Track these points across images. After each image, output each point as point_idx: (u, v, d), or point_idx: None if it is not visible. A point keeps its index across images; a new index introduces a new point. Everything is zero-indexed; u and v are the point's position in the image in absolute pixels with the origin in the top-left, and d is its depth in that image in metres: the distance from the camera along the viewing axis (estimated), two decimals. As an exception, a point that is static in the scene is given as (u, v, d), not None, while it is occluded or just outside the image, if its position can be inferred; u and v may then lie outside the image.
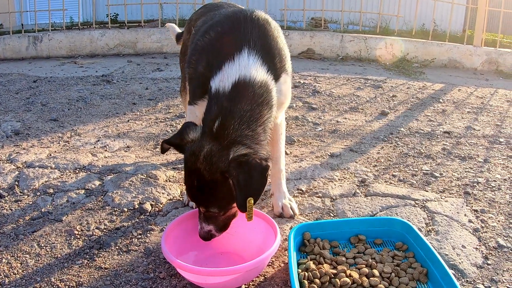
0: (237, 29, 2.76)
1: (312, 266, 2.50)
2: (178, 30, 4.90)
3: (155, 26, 10.72)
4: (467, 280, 2.61)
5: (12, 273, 2.52)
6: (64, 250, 2.75)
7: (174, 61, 9.17)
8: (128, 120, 5.26)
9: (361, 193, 3.60)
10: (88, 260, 2.66)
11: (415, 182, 3.85)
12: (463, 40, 10.80)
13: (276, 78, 2.76)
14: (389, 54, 10.27)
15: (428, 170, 4.09)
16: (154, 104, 6.01)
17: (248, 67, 2.62)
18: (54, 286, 2.42)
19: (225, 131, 2.44)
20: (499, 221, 3.29)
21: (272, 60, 2.77)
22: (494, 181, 3.95)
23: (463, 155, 4.52)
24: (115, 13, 14.59)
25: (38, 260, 2.64)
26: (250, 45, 2.69)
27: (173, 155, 4.21)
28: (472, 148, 4.75)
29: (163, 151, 2.71)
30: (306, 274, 2.43)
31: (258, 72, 2.64)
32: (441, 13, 14.11)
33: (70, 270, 2.57)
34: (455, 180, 3.94)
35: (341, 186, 3.69)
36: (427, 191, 3.70)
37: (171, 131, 4.91)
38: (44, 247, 2.76)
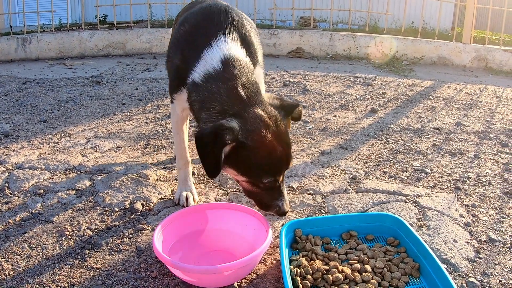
0: (211, 19, 2.76)
1: (304, 262, 2.50)
2: None
3: (144, 27, 10.70)
4: (459, 274, 2.62)
5: (3, 275, 2.51)
6: (55, 250, 2.73)
7: (163, 61, 9.05)
8: (118, 121, 5.25)
9: (352, 189, 3.61)
10: (80, 261, 2.64)
11: (405, 178, 3.86)
12: (452, 37, 10.85)
13: (253, 65, 2.75)
14: (378, 52, 10.31)
15: (418, 166, 4.10)
16: (144, 104, 6.00)
17: (229, 47, 2.63)
18: (46, 287, 2.41)
19: (254, 95, 2.49)
20: (490, 215, 3.31)
21: (248, 48, 2.77)
22: (485, 176, 3.97)
23: (453, 151, 4.53)
24: (104, 14, 14.58)
25: (29, 261, 2.62)
26: (225, 32, 2.69)
27: (163, 155, 4.21)
28: (462, 144, 4.77)
29: (218, 172, 2.36)
30: (298, 270, 2.43)
31: (239, 53, 2.66)
32: (430, 11, 14.20)
33: (62, 271, 2.55)
34: (446, 175, 3.95)
35: (332, 183, 3.69)
36: (418, 187, 3.71)
37: (161, 131, 4.90)
38: (35, 248, 2.75)
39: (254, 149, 2.32)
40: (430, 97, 6.83)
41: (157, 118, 5.39)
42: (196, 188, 3.49)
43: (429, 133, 5.10)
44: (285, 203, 2.56)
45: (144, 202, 3.32)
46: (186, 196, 3.30)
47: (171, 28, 4.34)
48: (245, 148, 2.31)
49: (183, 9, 3.81)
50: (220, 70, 2.52)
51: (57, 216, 3.11)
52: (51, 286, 2.42)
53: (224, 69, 2.52)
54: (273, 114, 2.45)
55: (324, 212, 3.27)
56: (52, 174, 3.73)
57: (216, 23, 2.73)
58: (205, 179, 3.75)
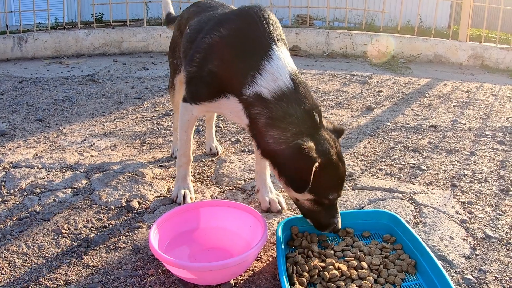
0: (251, 24, 2.71)
1: (301, 259, 2.51)
2: (171, 10, 4.76)
3: (141, 26, 10.69)
4: (455, 271, 2.63)
5: (-1, 273, 2.51)
6: (51, 249, 2.73)
7: (160, 60, 9.17)
8: (115, 119, 5.25)
9: (348, 186, 3.62)
10: (76, 259, 2.64)
11: (402, 175, 3.87)
12: (448, 35, 10.86)
13: None
14: (374, 50, 10.31)
15: (415, 164, 4.11)
16: (140, 102, 6.00)
17: (288, 61, 2.65)
18: (43, 286, 2.41)
19: (320, 118, 2.59)
20: (486, 212, 3.32)
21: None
22: (481, 173, 3.98)
23: (449, 148, 4.54)
24: (100, 13, 14.57)
25: (26, 260, 2.62)
26: (274, 39, 2.67)
27: (160, 153, 4.21)
28: (458, 141, 4.78)
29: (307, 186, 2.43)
30: (295, 267, 2.43)
31: (293, 63, 2.69)
32: (426, 9, 14.19)
33: (58, 269, 2.55)
34: (442, 172, 3.96)
35: (328, 180, 3.69)
36: (414, 184, 3.72)
37: (157, 129, 4.90)
38: (32, 247, 2.74)
39: (325, 168, 2.42)
40: (427, 94, 6.84)
41: (153, 116, 5.39)
42: (193, 186, 3.50)
43: (425, 130, 5.11)
44: (339, 220, 2.65)
45: (140, 200, 3.32)
46: (184, 194, 3.31)
47: (171, 30, 4.27)
48: (319, 167, 2.39)
49: (187, 11, 3.76)
50: (293, 90, 2.54)
51: (53, 215, 3.11)
52: (48, 284, 2.42)
53: (295, 88, 2.55)
54: (333, 137, 2.60)
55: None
56: (49, 173, 3.73)
57: (262, 28, 2.69)
58: (202, 177, 3.76)
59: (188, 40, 3.25)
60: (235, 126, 5.08)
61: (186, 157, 3.37)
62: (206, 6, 3.60)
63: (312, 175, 2.34)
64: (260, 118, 2.56)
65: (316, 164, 2.34)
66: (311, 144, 2.38)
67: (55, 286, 2.41)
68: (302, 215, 2.75)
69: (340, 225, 2.65)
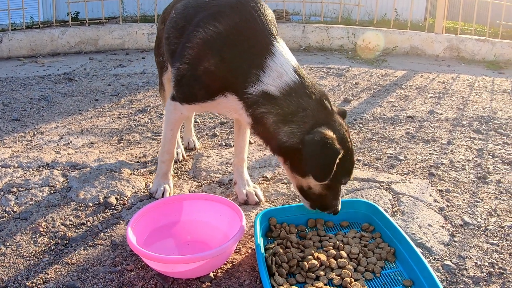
0: (250, 20, 2.65)
1: (280, 250, 2.52)
2: None
3: (117, 23, 10.63)
4: (434, 258, 2.67)
5: (-24, 273, 2.49)
6: (30, 248, 2.71)
7: (136, 57, 9.12)
8: (91, 117, 5.22)
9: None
10: (55, 257, 2.63)
11: (379, 165, 3.89)
12: (424, 28, 10.92)
13: None
14: (351, 43, 10.35)
15: (392, 154, 4.14)
16: (117, 99, 5.97)
17: (289, 56, 2.64)
18: (21, 285, 2.39)
19: (333, 109, 2.61)
20: (464, 199, 3.36)
21: None
22: (458, 161, 4.02)
23: (426, 138, 4.58)
24: (76, 11, 14.46)
25: (4, 260, 2.60)
26: (273, 34, 2.65)
27: (137, 149, 4.20)
28: (435, 131, 4.82)
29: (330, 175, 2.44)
30: (274, 258, 2.44)
31: (293, 57, 2.69)
32: (402, 3, 14.25)
33: (37, 268, 2.54)
34: (420, 162, 3.99)
35: (306, 172, 3.70)
36: (391, 174, 3.75)
37: (134, 126, 4.88)
38: (10, 246, 2.72)
39: (344, 155, 2.42)
40: (403, 86, 6.89)
41: (130, 113, 5.36)
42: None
43: (402, 121, 5.14)
44: (339, 202, 2.69)
45: (118, 196, 3.31)
46: (164, 189, 3.30)
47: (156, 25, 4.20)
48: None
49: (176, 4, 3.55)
50: (299, 83, 2.53)
51: (31, 214, 3.08)
52: (27, 283, 2.40)
53: (301, 81, 2.54)
54: (343, 121, 2.63)
55: (298, 200, 3.28)
56: (25, 172, 3.70)
57: (261, 23, 2.65)
58: (179, 171, 3.76)
59: (174, 26, 3.10)
60: (212, 121, 5.08)
61: (169, 154, 3.32)
62: None
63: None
64: (269, 117, 2.53)
65: (340, 155, 2.36)
66: (332, 134, 2.38)
67: (34, 285, 2.40)
68: (280, 206, 2.76)
69: (339, 208, 2.69)
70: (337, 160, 2.34)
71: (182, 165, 3.87)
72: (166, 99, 3.87)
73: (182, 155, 4.03)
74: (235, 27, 2.65)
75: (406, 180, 3.64)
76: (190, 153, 4.13)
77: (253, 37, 2.62)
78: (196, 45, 2.72)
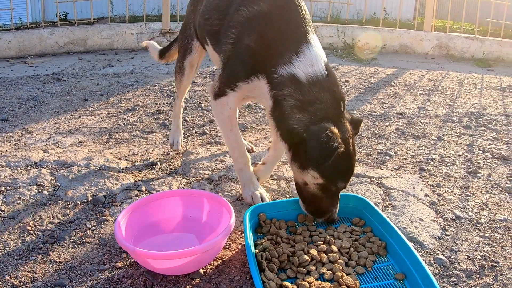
0: (291, 4, 2.71)
1: (270, 246, 2.50)
2: (159, 47, 4.51)
3: (105, 23, 10.59)
4: (426, 251, 2.67)
5: (-37, 272, 2.47)
6: (17, 246, 2.69)
7: (125, 57, 9.08)
8: (80, 116, 5.18)
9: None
10: (43, 255, 2.61)
11: (370, 161, 3.89)
12: (413, 27, 10.96)
13: None
14: (340, 41, 10.37)
15: (382, 150, 4.13)
16: (106, 99, 5.94)
17: (322, 50, 2.66)
18: (9, 284, 2.37)
19: (344, 114, 2.63)
20: (455, 194, 3.36)
21: None
22: (449, 157, 4.02)
23: (416, 134, 4.58)
24: (64, 12, 14.40)
25: (-9, 258, 2.58)
26: (311, 26, 2.69)
27: (126, 148, 4.17)
28: (425, 127, 4.83)
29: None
30: (264, 254, 2.42)
31: (325, 55, 2.69)
32: (391, 1, 14.29)
33: (25, 266, 2.51)
34: (410, 157, 4.00)
35: (295, 168, 3.69)
36: (382, 169, 3.75)
37: (123, 125, 4.85)
38: (-3, 245, 2.70)
39: (342, 156, 2.44)
40: (393, 83, 6.90)
41: (119, 112, 5.34)
42: (159, 178, 3.48)
43: (392, 118, 5.14)
44: (336, 211, 2.71)
45: (106, 194, 3.28)
46: (260, 195, 3.12)
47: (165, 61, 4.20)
48: (338, 153, 2.41)
49: None
50: (326, 77, 2.56)
51: (19, 212, 3.06)
52: (14, 282, 2.38)
53: (328, 77, 2.57)
54: (351, 128, 2.64)
55: (288, 196, 3.28)
56: (13, 171, 3.66)
57: (302, 13, 2.70)
58: (168, 169, 3.74)
59: (216, 8, 3.10)
60: (201, 119, 5.05)
61: (243, 156, 3.15)
62: None
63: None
64: (288, 100, 2.57)
65: (341, 149, 2.38)
66: (336, 131, 2.41)
67: (21, 283, 2.37)
68: (269, 202, 2.75)
69: (335, 216, 2.70)
70: (336, 154, 2.35)
71: (172, 163, 3.85)
72: (182, 83, 3.91)
73: (181, 144, 4.13)
74: (278, 9, 2.70)
75: (396, 175, 3.64)
76: (180, 151, 4.11)
77: (293, 22, 2.67)
78: (239, 23, 2.78)
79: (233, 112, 3.01)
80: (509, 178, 3.69)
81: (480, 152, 4.19)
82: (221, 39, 2.95)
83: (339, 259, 2.44)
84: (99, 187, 3.37)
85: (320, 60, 2.58)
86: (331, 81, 2.56)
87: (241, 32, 2.76)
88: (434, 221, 2.99)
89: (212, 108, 3.10)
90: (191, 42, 3.69)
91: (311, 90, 2.52)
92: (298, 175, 2.66)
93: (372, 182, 3.48)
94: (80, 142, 4.36)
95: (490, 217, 3.07)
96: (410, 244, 2.41)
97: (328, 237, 2.61)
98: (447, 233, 2.86)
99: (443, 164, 3.88)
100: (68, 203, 3.17)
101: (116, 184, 3.42)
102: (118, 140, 4.41)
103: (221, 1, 3.07)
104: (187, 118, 5.06)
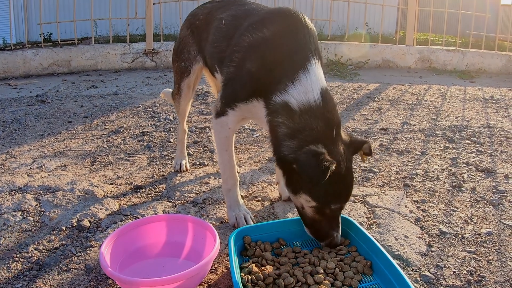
0: (295, 32, 2.74)
1: (255, 268, 2.50)
2: (170, 90, 4.43)
3: (89, 44, 10.60)
4: (412, 269, 2.68)
5: None
6: (3, 274, 2.67)
7: (109, 78, 9.09)
8: (64, 139, 5.18)
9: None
10: (28, 283, 2.59)
11: (354, 179, 3.90)
12: (395, 41, 11.04)
13: None
14: (323, 58, 10.39)
15: (366, 166, 4.16)
16: (90, 121, 5.93)
17: (321, 76, 2.67)
18: (-7, 312, 2.37)
19: (338, 133, 2.62)
20: (439, 209, 3.39)
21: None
22: (433, 171, 4.05)
23: (400, 150, 4.61)
24: (48, 33, 14.41)
25: (-25, 287, 2.56)
26: (312, 52, 2.69)
27: (111, 171, 4.17)
28: (409, 142, 4.86)
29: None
30: (249, 277, 2.42)
31: (324, 80, 2.70)
32: (374, 17, 14.41)
33: (10, 294, 2.50)
34: (394, 173, 4.02)
35: (280, 189, 3.70)
36: (366, 187, 3.76)
37: (107, 147, 4.85)
38: (-18, 273, 2.68)
39: (333, 177, 2.39)
40: (376, 99, 6.95)
41: (103, 134, 5.33)
42: (144, 202, 3.48)
43: (376, 134, 5.17)
44: (339, 235, 2.70)
45: (91, 219, 3.27)
46: (245, 218, 3.17)
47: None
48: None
49: (205, 8, 3.69)
50: (320, 104, 2.56)
51: (3, 239, 3.04)
52: (-1, 310, 2.37)
53: (322, 104, 2.57)
54: (346, 151, 2.61)
55: (273, 217, 3.29)
56: (-3, 196, 3.65)
57: (302, 38, 2.72)
58: (153, 192, 3.74)
59: (224, 36, 3.19)
60: (185, 141, 5.06)
61: (233, 178, 3.21)
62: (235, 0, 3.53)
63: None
64: (281, 127, 2.60)
65: (333, 166, 2.37)
66: (323, 150, 2.41)
67: (6, 311, 2.37)
68: (254, 224, 2.75)
69: (338, 240, 2.69)
70: (329, 172, 2.34)
71: (156, 186, 3.85)
72: (180, 105, 3.95)
73: (186, 167, 4.19)
74: (280, 36, 2.75)
75: (381, 192, 3.66)
76: (164, 174, 4.11)
77: (293, 48, 2.69)
78: (243, 48, 2.84)
79: (231, 132, 3.07)
80: (493, 190, 3.72)
81: (464, 165, 4.23)
82: (225, 62, 3.00)
83: (324, 280, 2.43)
84: (84, 212, 3.36)
85: (316, 87, 2.58)
86: (325, 107, 2.57)
87: (244, 57, 2.83)
88: (419, 237, 3.01)
89: (212, 126, 3.14)
90: (189, 65, 3.73)
91: (302, 117, 2.54)
92: (294, 199, 2.69)
93: (357, 201, 3.50)
94: (65, 165, 4.35)
95: (475, 231, 3.09)
96: (396, 263, 2.42)
97: (313, 258, 2.61)
98: (433, 249, 2.88)
99: (428, 179, 3.91)
100: (53, 229, 3.16)
101: (101, 209, 3.41)
102: (103, 163, 4.40)
103: (228, 29, 3.15)
104: (171, 140, 5.06)
